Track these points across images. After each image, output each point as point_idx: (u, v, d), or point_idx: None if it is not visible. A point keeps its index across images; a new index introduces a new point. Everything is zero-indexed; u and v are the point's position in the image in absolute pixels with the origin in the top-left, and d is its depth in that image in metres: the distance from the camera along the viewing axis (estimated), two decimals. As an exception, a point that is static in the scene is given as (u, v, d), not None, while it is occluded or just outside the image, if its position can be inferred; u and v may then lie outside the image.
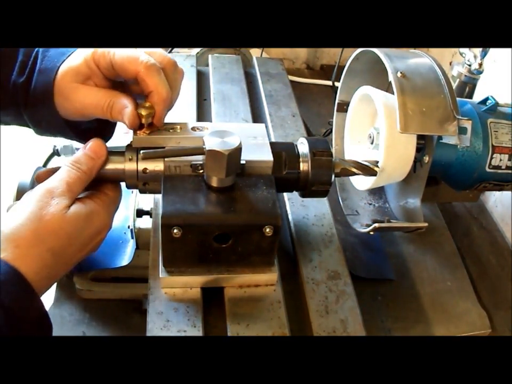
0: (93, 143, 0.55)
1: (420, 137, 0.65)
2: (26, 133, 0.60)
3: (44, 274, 0.47)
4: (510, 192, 0.79)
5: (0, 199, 0.48)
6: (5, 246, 0.46)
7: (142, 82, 0.53)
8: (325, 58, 1.31)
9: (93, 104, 0.55)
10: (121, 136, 0.65)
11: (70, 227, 0.50)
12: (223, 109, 0.84)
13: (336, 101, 0.79)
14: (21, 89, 0.56)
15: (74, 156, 0.54)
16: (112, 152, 0.56)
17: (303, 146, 0.60)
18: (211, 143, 0.51)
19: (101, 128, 0.61)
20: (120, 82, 0.58)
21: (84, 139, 0.60)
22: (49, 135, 0.60)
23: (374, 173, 0.63)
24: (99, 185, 0.56)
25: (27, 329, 0.44)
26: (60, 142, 0.84)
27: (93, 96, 0.55)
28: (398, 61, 0.63)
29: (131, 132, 0.57)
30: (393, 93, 0.61)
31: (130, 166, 0.55)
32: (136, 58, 0.53)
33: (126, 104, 0.54)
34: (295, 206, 0.69)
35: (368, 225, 0.67)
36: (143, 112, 0.54)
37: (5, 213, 0.51)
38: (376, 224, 0.66)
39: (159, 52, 0.56)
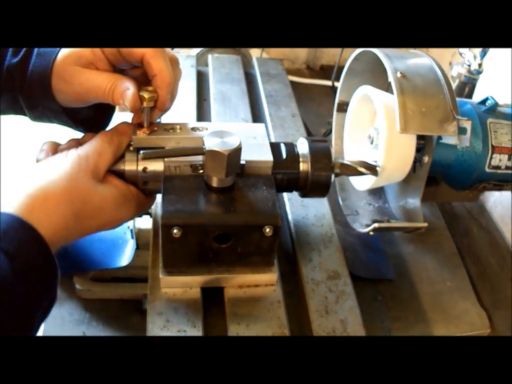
0: (119, 124, 0.57)
1: (420, 137, 0.65)
2: (26, 132, 0.60)
3: (61, 235, 0.48)
4: (510, 192, 0.79)
5: (0, 198, 0.48)
6: (32, 199, 0.47)
7: (147, 65, 0.53)
8: (325, 58, 1.31)
9: (95, 87, 0.54)
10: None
11: (98, 201, 0.51)
12: (223, 109, 0.84)
13: (336, 101, 0.79)
14: (16, 71, 0.55)
15: (104, 132, 0.55)
16: (112, 152, 0.56)
17: (303, 146, 0.60)
18: (211, 143, 0.52)
19: (99, 116, 0.61)
20: (122, 71, 0.57)
21: (81, 127, 0.60)
22: (46, 121, 0.59)
23: (374, 173, 0.63)
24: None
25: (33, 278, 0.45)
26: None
27: (95, 78, 0.54)
28: (398, 61, 0.63)
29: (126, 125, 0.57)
30: (393, 93, 0.61)
31: (130, 166, 0.55)
32: None
33: (128, 86, 0.53)
34: (295, 206, 0.69)
35: (368, 225, 0.67)
36: (146, 95, 0.53)
37: (35, 165, 0.52)
38: (376, 224, 0.66)
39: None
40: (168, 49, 0.56)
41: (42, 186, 0.48)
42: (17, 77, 0.55)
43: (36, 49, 0.55)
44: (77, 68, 0.54)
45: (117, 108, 0.62)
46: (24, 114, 0.59)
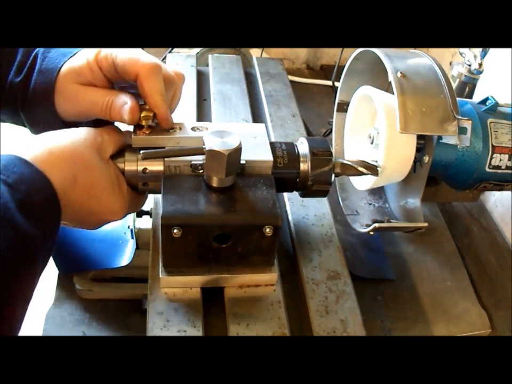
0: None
1: (420, 137, 0.65)
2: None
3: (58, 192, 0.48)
4: (510, 192, 0.79)
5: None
6: (38, 150, 0.48)
7: (140, 85, 0.53)
8: (325, 58, 1.31)
9: (92, 104, 0.54)
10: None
11: (96, 174, 0.51)
12: (223, 109, 0.84)
13: (336, 101, 0.79)
14: (18, 89, 0.55)
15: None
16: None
17: (303, 146, 0.60)
18: (211, 143, 0.51)
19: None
20: (122, 88, 0.57)
21: None
22: None
23: (374, 173, 0.63)
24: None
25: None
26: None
27: (92, 95, 0.55)
28: (398, 61, 0.63)
29: (131, 131, 0.56)
30: (393, 93, 0.61)
31: (130, 166, 0.55)
32: (137, 60, 0.52)
33: (125, 101, 0.53)
34: (295, 206, 0.69)
35: (368, 225, 0.67)
36: (141, 114, 0.54)
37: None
38: (376, 224, 0.66)
39: (160, 63, 0.55)
40: (165, 67, 0.55)
41: (47, 143, 0.49)
42: (19, 94, 0.55)
43: (37, 66, 0.55)
44: (76, 86, 0.55)
45: None
46: (24, 126, 0.59)
